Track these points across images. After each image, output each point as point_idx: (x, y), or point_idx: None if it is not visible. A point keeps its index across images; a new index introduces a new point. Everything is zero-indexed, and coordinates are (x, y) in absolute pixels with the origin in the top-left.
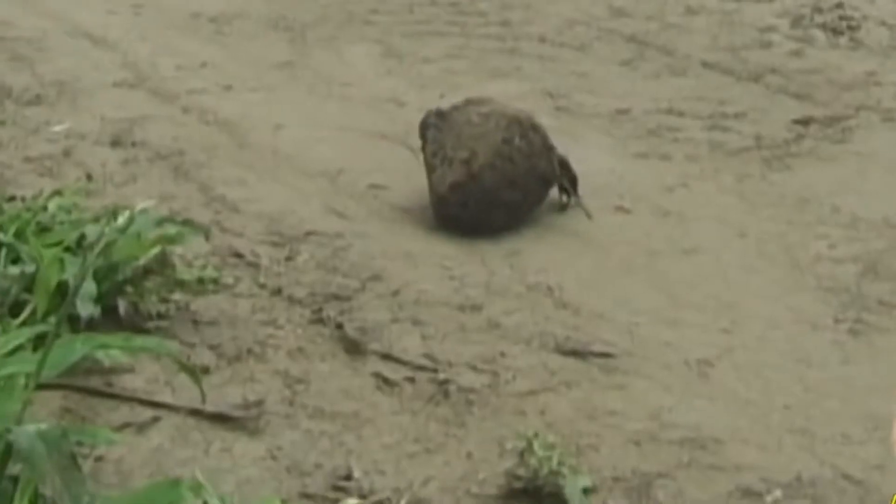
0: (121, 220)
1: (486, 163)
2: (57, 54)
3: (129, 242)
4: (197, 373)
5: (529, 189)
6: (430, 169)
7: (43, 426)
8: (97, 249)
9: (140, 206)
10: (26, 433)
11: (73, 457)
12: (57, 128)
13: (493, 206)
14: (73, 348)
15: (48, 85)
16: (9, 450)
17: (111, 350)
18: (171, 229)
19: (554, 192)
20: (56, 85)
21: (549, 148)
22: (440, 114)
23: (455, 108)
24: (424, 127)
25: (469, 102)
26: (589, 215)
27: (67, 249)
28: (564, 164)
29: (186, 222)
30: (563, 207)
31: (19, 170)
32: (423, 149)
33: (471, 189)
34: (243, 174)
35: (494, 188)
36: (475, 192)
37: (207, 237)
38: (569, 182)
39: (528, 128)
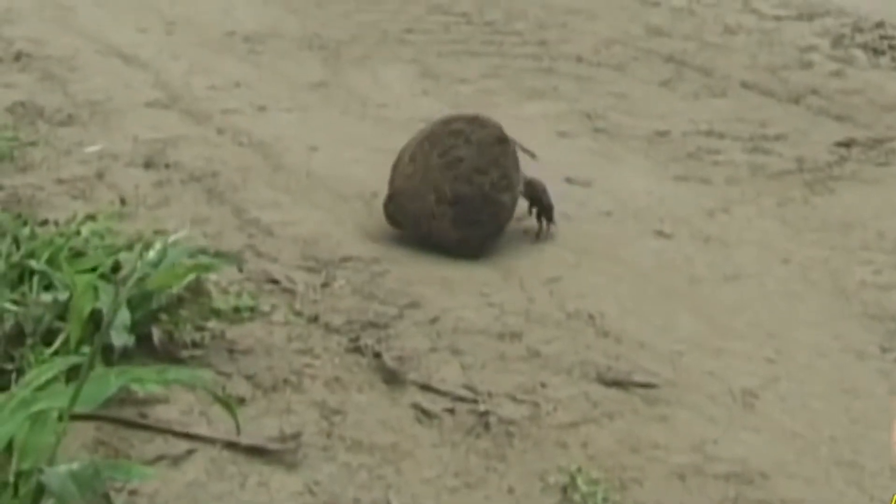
0: (153, 253)
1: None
2: (89, 74)
3: (163, 271)
4: (232, 405)
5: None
6: None
7: (75, 466)
8: (130, 284)
9: (172, 237)
10: (58, 474)
11: (107, 497)
12: (89, 149)
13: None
14: (108, 382)
15: (81, 105)
16: (41, 490)
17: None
18: (204, 260)
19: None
20: (88, 105)
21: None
22: None
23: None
24: None
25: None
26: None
27: (102, 276)
28: (537, 192)
29: (220, 254)
30: (537, 236)
31: (52, 192)
32: None
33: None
34: (278, 197)
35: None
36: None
37: (241, 269)
38: (543, 211)
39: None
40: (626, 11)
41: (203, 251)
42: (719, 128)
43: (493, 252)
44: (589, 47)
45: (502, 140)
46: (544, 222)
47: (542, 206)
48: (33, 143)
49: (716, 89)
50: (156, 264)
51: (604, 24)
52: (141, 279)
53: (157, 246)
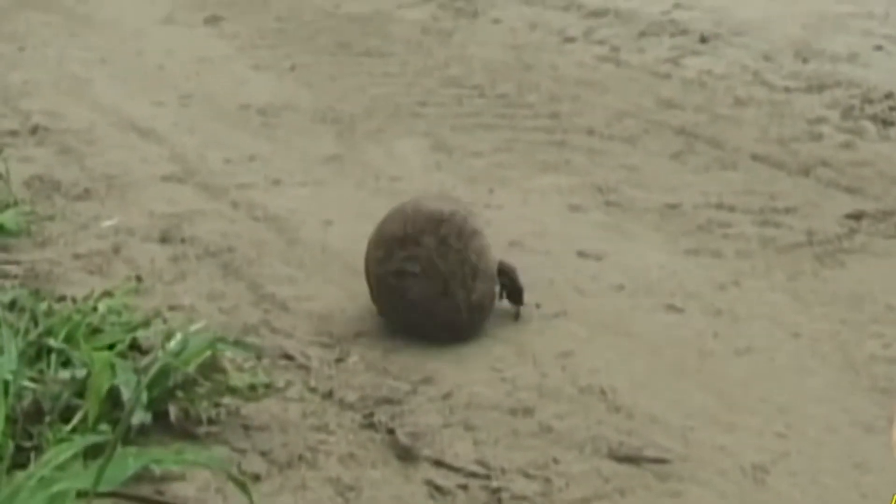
0: (174, 343)
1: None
2: (105, 147)
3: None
4: (248, 484)
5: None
6: None
7: None
8: (151, 373)
9: (193, 327)
10: None
11: None
12: (106, 223)
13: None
14: (126, 462)
15: (97, 179)
16: None
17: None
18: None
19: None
20: (105, 179)
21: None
22: None
23: None
24: None
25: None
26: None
27: (119, 354)
28: (508, 274)
29: (239, 343)
30: (515, 317)
31: (69, 267)
32: None
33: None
34: (293, 272)
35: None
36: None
37: (260, 357)
38: (513, 293)
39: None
40: (638, 84)
41: (222, 339)
42: (730, 200)
43: (505, 328)
44: (601, 120)
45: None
46: (516, 305)
47: (512, 289)
48: (50, 218)
49: (726, 162)
50: (177, 354)
51: (615, 97)
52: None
53: (179, 336)
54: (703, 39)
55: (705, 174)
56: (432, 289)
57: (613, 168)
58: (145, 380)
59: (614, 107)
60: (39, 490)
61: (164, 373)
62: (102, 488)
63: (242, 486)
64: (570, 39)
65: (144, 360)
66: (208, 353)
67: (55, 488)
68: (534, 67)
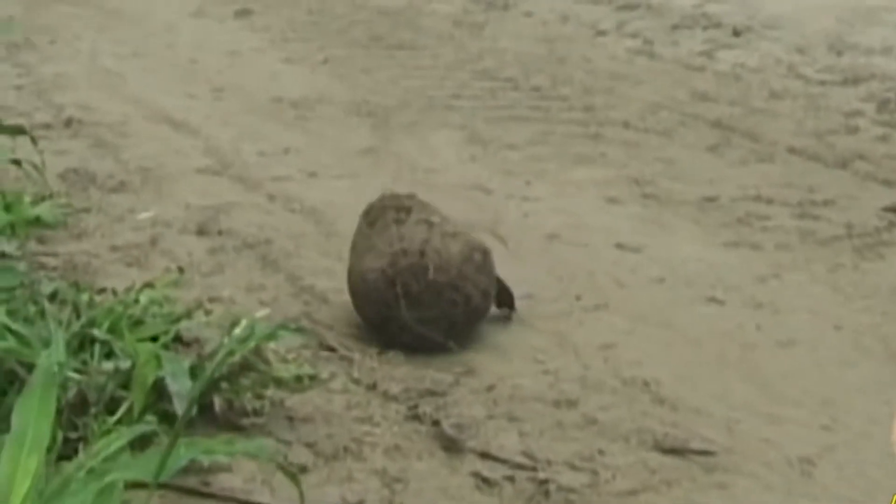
0: (239, 330)
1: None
2: (139, 140)
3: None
4: (297, 475)
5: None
6: None
7: None
8: (217, 360)
9: (259, 313)
10: None
11: None
12: (142, 215)
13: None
14: (177, 453)
15: (132, 171)
16: None
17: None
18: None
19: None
20: (140, 171)
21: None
22: None
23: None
24: None
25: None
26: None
27: (163, 345)
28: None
29: (301, 330)
30: (506, 318)
31: (106, 259)
32: None
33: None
34: (331, 264)
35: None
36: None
37: (323, 347)
38: (503, 296)
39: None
40: (671, 77)
41: (284, 326)
42: (767, 193)
43: (546, 319)
44: (635, 113)
45: None
46: (507, 308)
47: (501, 292)
48: (86, 210)
49: (763, 155)
50: (243, 341)
51: (649, 90)
52: (201, 344)
53: (244, 323)
54: (736, 33)
55: (742, 167)
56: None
57: (650, 161)
58: (211, 367)
59: (649, 99)
60: (91, 481)
61: (207, 364)
62: (153, 480)
63: (292, 477)
64: (603, 32)
65: (207, 348)
66: (253, 344)
67: (106, 479)
68: (567, 60)
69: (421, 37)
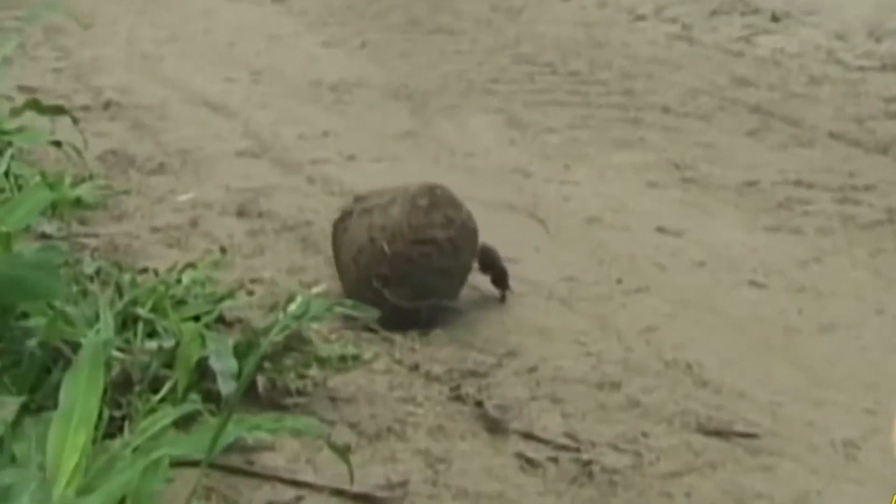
0: (294, 306)
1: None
2: (178, 123)
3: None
4: (346, 453)
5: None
6: None
7: None
8: (272, 335)
9: (315, 289)
10: None
11: None
12: (182, 197)
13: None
14: (225, 430)
15: (171, 154)
16: None
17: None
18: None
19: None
20: (179, 154)
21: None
22: None
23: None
24: None
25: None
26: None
27: (207, 325)
28: (490, 258)
29: (357, 307)
30: (501, 300)
31: (147, 240)
32: None
33: None
34: None
35: None
36: None
37: (372, 327)
38: (497, 275)
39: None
40: (711, 62)
41: (340, 303)
42: (808, 178)
43: (587, 301)
44: (675, 97)
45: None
46: (502, 287)
47: (496, 271)
48: (126, 192)
49: (803, 139)
50: (299, 317)
51: (689, 75)
52: (247, 323)
53: (300, 299)
54: (775, 18)
55: (782, 152)
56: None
57: (689, 145)
58: (265, 341)
59: (688, 84)
60: (138, 458)
61: (252, 344)
62: (199, 457)
63: (341, 454)
64: (641, 17)
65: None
66: (296, 324)
67: (153, 456)
68: (605, 45)
69: (458, 21)
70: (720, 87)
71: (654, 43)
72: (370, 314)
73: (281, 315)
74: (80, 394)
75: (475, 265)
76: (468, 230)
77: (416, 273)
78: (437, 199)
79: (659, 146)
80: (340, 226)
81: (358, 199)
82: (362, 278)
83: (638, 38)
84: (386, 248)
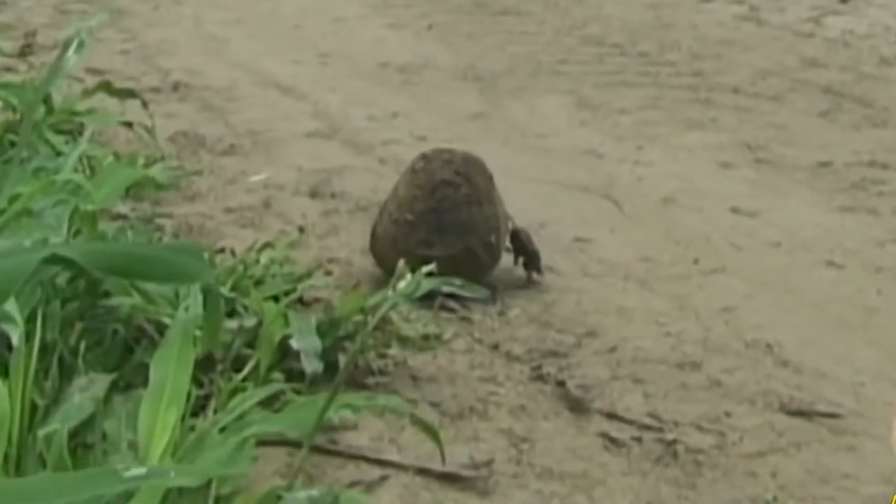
0: (403, 284)
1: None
2: (248, 104)
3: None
4: (437, 433)
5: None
6: None
7: (314, 492)
8: (380, 314)
9: (425, 268)
10: (298, 500)
11: None
12: (254, 178)
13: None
14: (315, 408)
15: (242, 135)
16: None
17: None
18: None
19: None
20: (249, 135)
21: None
22: None
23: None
24: None
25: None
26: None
27: (289, 304)
28: (522, 241)
29: (466, 286)
30: (528, 282)
31: (221, 220)
32: None
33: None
34: None
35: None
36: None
37: (494, 300)
38: (529, 258)
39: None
40: (780, 43)
41: (448, 282)
42: (882, 158)
43: (665, 282)
44: (745, 78)
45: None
46: (533, 271)
47: (528, 254)
48: (198, 173)
49: (876, 120)
50: (408, 295)
51: (758, 56)
52: (329, 302)
53: (409, 277)
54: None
55: (855, 132)
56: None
57: (761, 126)
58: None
59: (758, 65)
60: (229, 436)
61: (334, 323)
62: (291, 435)
63: (433, 433)
64: None
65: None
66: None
67: (246, 433)
68: (673, 26)
69: (525, 3)
70: (790, 68)
71: (721, 24)
72: (481, 293)
73: (390, 292)
74: (170, 371)
75: (507, 243)
76: (471, 162)
77: (447, 214)
78: (430, 155)
79: (730, 127)
80: (373, 240)
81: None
82: (410, 260)
83: (705, 20)
84: (409, 216)
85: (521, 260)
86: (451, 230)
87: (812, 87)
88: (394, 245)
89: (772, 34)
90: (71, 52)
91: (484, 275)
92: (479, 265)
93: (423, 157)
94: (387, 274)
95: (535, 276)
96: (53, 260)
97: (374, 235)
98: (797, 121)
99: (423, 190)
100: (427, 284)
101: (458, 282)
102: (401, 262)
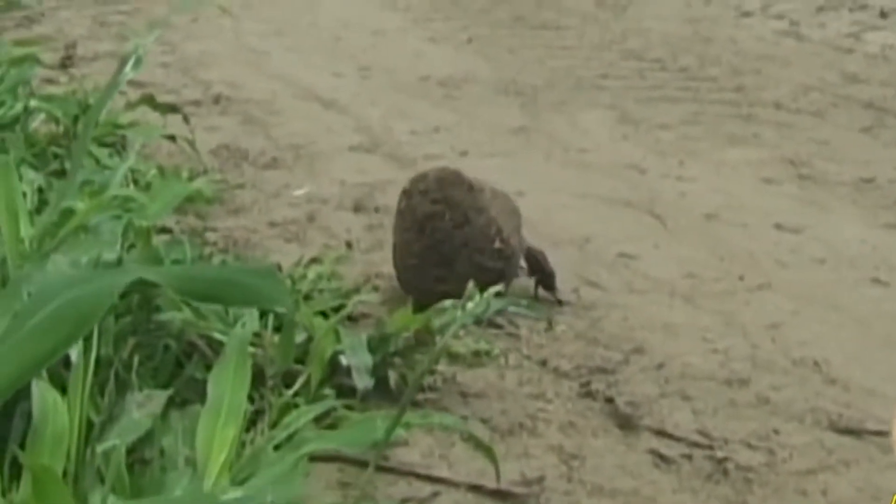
0: (471, 304)
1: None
2: (289, 117)
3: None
4: (492, 450)
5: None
6: None
7: None
8: (450, 333)
9: (492, 289)
10: None
11: None
12: (297, 192)
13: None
14: (374, 426)
15: (284, 148)
16: None
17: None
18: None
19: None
20: (291, 148)
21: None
22: None
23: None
24: None
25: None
26: (560, 302)
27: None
28: (537, 260)
29: (531, 306)
30: (559, 303)
31: (265, 235)
32: None
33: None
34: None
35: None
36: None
37: (551, 326)
38: (544, 278)
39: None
40: (821, 58)
41: (514, 302)
42: None
43: (710, 298)
44: (786, 94)
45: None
46: (550, 291)
47: (543, 274)
48: (241, 186)
49: None
50: (477, 315)
51: (799, 71)
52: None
53: (476, 298)
54: (883, 14)
55: None
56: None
57: (803, 142)
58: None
59: (798, 81)
60: (287, 453)
61: (385, 339)
62: (349, 451)
63: (487, 450)
64: (748, 14)
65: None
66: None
67: (304, 450)
68: (713, 41)
69: (564, 17)
70: (831, 84)
71: (761, 39)
72: (543, 314)
73: (459, 313)
74: (227, 387)
75: (522, 264)
76: (445, 182)
77: (443, 246)
78: (409, 190)
79: (773, 142)
80: (399, 281)
81: None
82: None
83: (745, 35)
84: (411, 261)
85: (535, 279)
86: (454, 258)
87: (853, 103)
88: (416, 289)
89: (812, 49)
90: (128, 68)
91: (511, 275)
92: (498, 273)
93: (404, 193)
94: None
95: (554, 295)
96: (140, 283)
97: (398, 277)
98: (839, 136)
99: (412, 230)
100: (496, 305)
101: (523, 302)
102: (470, 284)
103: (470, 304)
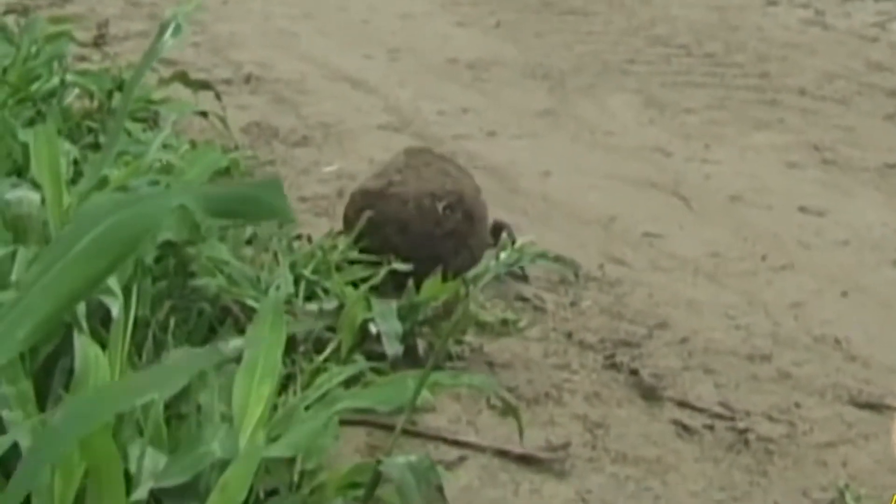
0: (504, 255)
1: None
2: (319, 97)
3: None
4: (518, 412)
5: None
6: None
7: (412, 458)
8: (482, 282)
9: (519, 241)
10: (397, 465)
11: (440, 489)
12: (327, 168)
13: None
14: (405, 386)
15: (313, 127)
16: (375, 480)
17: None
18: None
19: None
20: (321, 127)
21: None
22: None
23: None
24: None
25: None
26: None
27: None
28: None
29: (559, 260)
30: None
31: (296, 209)
32: None
33: None
34: (516, 219)
35: None
36: None
37: (576, 275)
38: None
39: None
40: (845, 47)
41: (543, 255)
42: None
43: (734, 277)
44: (811, 81)
45: None
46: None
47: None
48: (271, 163)
49: None
50: (510, 265)
51: (824, 59)
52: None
53: (508, 249)
54: None
55: None
56: None
57: (828, 128)
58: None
59: (823, 68)
60: (320, 411)
61: (414, 307)
62: (381, 410)
63: (514, 411)
64: (774, 2)
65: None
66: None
67: (337, 407)
68: (739, 28)
69: (591, 3)
70: (856, 72)
71: (787, 28)
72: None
73: (493, 262)
74: (263, 348)
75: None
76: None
77: (406, 243)
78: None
79: (798, 128)
80: None
81: None
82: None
83: (771, 23)
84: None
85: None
86: (417, 243)
87: (877, 91)
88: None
89: (837, 38)
90: (167, 35)
91: (479, 228)
92: (462, 233)
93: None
94: None
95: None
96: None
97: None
98: (863, 123)
99: (385, 246)
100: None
101: (553, 254)
102: (504, 234)
103: (503, 255)
